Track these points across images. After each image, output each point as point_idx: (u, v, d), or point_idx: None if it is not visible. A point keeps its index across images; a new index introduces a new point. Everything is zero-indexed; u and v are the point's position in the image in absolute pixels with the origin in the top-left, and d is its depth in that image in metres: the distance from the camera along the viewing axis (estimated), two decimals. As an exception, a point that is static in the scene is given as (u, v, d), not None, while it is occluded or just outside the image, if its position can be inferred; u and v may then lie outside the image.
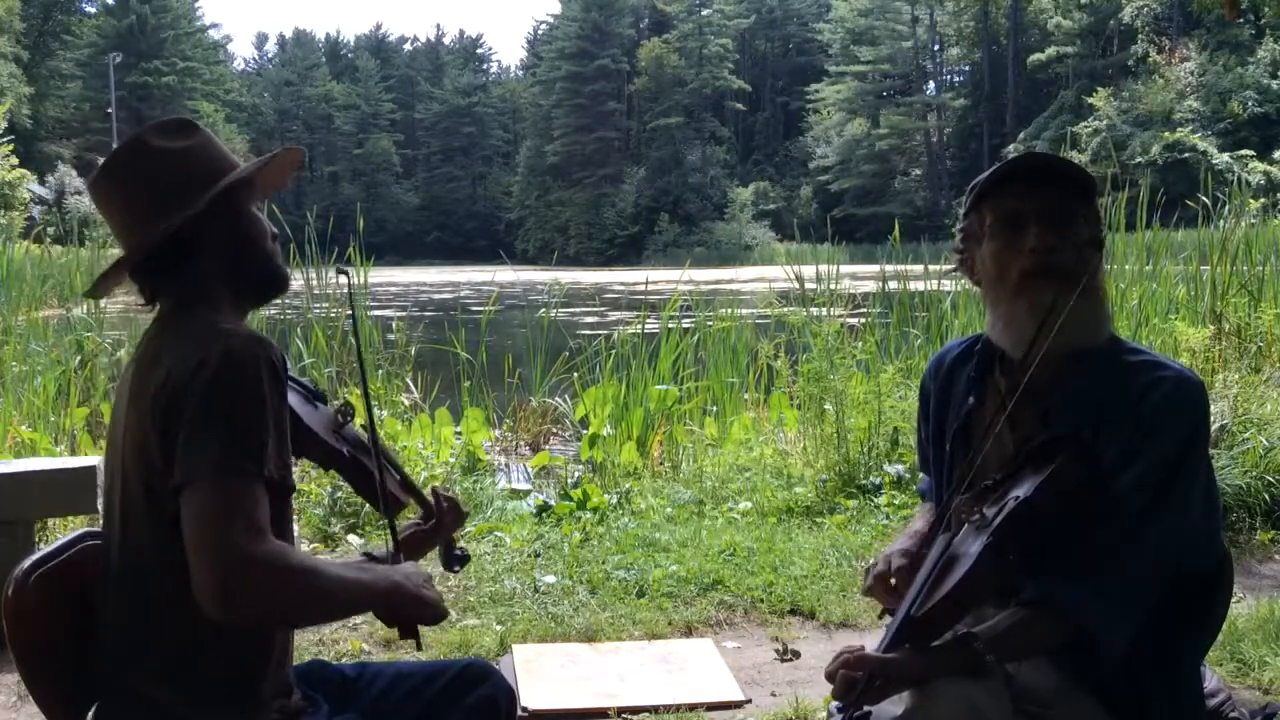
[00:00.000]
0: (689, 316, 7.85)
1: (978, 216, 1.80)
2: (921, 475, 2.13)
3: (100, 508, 3.58)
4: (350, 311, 2.12)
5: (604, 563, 4.25)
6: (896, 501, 5.05)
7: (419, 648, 1.78)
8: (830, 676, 1.54)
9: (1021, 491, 1.58)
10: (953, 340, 2.07)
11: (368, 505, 1.83)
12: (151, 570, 1.52)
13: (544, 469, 6.41)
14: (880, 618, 1.72)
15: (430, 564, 3.98)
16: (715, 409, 6.85)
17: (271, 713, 1.59)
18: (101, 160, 1.65)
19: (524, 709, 3.01)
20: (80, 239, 12.83)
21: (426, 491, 1.96)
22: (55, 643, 1.61)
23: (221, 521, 1.39)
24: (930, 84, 70.31)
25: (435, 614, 1.65)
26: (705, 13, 72.48)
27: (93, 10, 71.01)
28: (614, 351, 6.93)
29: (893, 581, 1.78)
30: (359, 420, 1.92)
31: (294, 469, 1.61)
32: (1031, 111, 57.43)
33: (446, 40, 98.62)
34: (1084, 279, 1.69)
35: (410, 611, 1.63)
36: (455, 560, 1.96)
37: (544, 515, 5.03)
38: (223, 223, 1.61)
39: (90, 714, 1.59)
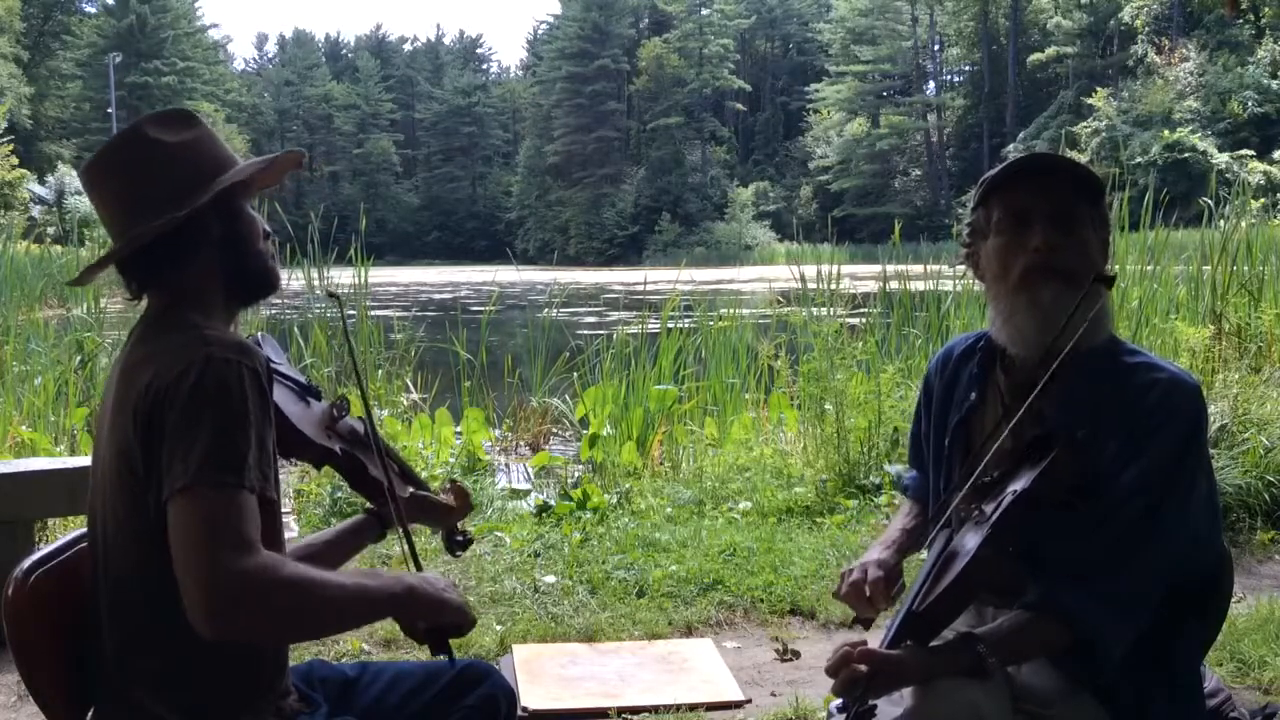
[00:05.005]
0: (689, 316, 7.84)
1: (985, 211, 1.80)
2: (909, 471, 2.11)
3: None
4: (342, 313, 2.05)
5: (604, 563, 4.24)
6: (896, 501, 5.05)
7: (452, 661, 1.68)
8: (831, 671, 1.54)
9: (1019, 485, 1.58)
10: (961, 335, 2.07)
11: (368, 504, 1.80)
12: (136, 581, 1.49)
13: (544, 469, 6.40)
14: (851, 625, 1.71)
15: (435, 560, 4.00)
16: (715, 409, 6.84)
17: (269, 716, 1.58)
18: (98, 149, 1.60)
19: (524, 709, 3.01)
20: (80, 239, 12.83)
21: (436, 486, 1.93)
22: (55, 643, 1.60)
23: (205, 535, 1.34)
24: (930, 84, 70.33)
25: (460, 618, 1.58)
26: (705, 13, 72.34)
27: (93, 10, 71.05)
28: (614, 351, 6.93)
29: (867, 591, 1.77)
30: (355, 413, 1.87)
31: (282, 475, 1.58)
32: (1031, 111, 57.41)
33: (446, 40, 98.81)
34: (1086, 281, 1.69)
35: (431, 617, 1.56)
36: (457, 545, 1.95)
37: (544, 515, 5.02)
38: (218, 222, 1.57)
39: (89, 716, 1.59)
